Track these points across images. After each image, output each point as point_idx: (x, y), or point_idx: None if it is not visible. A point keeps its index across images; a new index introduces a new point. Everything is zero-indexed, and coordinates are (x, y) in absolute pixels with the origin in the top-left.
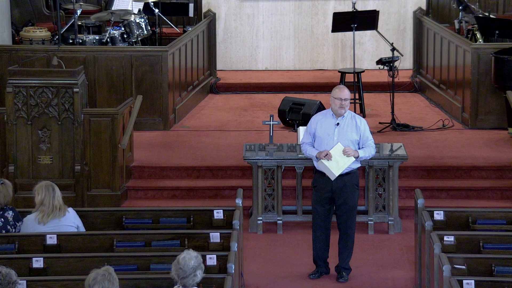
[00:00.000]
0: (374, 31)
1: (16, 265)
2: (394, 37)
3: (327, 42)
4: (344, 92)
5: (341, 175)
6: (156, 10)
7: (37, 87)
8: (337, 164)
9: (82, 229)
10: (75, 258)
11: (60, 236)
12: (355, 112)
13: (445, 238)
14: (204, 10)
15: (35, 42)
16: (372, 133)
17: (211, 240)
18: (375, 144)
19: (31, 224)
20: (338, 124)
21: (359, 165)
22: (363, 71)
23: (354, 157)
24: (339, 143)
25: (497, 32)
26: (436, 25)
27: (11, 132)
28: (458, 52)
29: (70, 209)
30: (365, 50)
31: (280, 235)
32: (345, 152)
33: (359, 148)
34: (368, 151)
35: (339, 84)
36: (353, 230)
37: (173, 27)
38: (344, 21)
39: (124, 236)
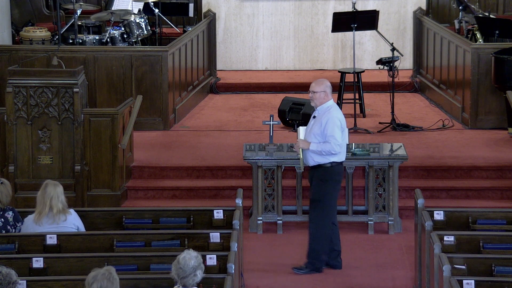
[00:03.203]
0: (374, 31)
1: (16, 265)
2: (394, 37)
3: (327, 42)
4: (312, 85)
5: (312, 168)
6: (156, 10)
7: (37, 87)
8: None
9: (82, 229)
10: (75, 258)
11: (60, 236)
12: (355, 112)
13: (445, 238)
14: (204, 10)
15: (35, 42)
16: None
17: (211, 240)
18: (337, 143)
19: (31, 225)
20: (314, 117)
21: (325, 160)
22: (363, 71)
23: (307, 148)
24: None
25: (497, 32)
26: (436, 25)
27: (11, 132)
28: (458, 52)
29: (72, 211)
30: (365, 50)
31: (280, 235)
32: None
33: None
34: (322, 146)
35: (339, 83)
36: (315, 224)
37: (173, 27)
38: (344, 21)
39: (124, 236)
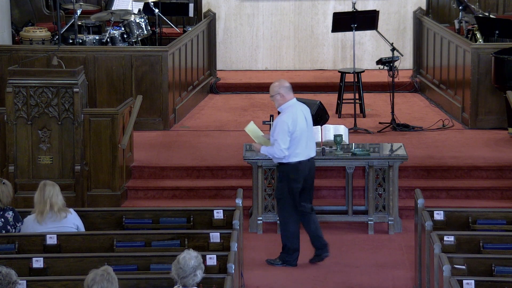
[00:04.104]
0: (374, 31)
1: (16, 265)
2: (394, 37)
3: (327, 42)
4: (270, 87)
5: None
6: (156, 10)
7: (37, 87)
8: None
9: (82, 229)
10: (75, 258)
11: (60, 236)
12: (355, 112)
13: (445, 238)
14: (204, 10)
15: (35, 42)
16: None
17: (211, 240)
18: (282, 146)
19: (31, 225)
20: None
21: (278, 160)
22: (363, 71)
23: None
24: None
25: (497, 32)
26: (436, 25)
27: (11, 132)
28: (458, 52)
29: (72, 210)
30: (365, 50)
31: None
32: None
33: None
34: (269, 150)
35: (339, 83)
36: (281, 222)
37: (173, 27)
38: (344, 21)
39: (124, 236)
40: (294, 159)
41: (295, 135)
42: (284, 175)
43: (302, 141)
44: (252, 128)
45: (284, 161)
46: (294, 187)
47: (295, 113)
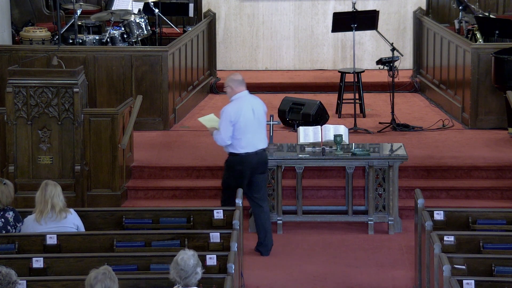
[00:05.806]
0: (374, 31)
1: (16, 265)
2: (394, 37)
3: (327, 42)
4: None
5: None
6: (156, 10)
7: (37, 87)
8: None
9: (82, 229)
10: (75, 258)
11: (60, 236)
12: (355, 112)
13: (445, 238)
14: (204, 10)
15: (35, 42)
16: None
17: (211, 240)
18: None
19: (31, 225)
20: None
21: (227, 150)
22: (363, 71)
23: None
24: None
25: (497, 32)
26: (436, 25)
27: (11, 132)
28: (458, 52)
29: (72, 210)
30: (365, 50)
31: (280, 235)
32: None
33: None
34: (214, 136)
35: (339, 83)
36: None
37: (173, 27)
38: (344, 21)
39: (124, 236)
40: (241, 150)
41: (238, 125)
42: (230, 166)
43: (248, 133)
44: (208, 118)
45: (231, 150)
46: (238, 179)
47: (240, 104)
